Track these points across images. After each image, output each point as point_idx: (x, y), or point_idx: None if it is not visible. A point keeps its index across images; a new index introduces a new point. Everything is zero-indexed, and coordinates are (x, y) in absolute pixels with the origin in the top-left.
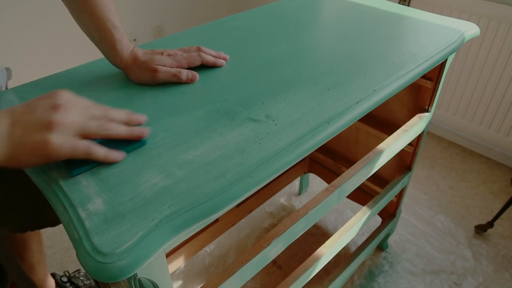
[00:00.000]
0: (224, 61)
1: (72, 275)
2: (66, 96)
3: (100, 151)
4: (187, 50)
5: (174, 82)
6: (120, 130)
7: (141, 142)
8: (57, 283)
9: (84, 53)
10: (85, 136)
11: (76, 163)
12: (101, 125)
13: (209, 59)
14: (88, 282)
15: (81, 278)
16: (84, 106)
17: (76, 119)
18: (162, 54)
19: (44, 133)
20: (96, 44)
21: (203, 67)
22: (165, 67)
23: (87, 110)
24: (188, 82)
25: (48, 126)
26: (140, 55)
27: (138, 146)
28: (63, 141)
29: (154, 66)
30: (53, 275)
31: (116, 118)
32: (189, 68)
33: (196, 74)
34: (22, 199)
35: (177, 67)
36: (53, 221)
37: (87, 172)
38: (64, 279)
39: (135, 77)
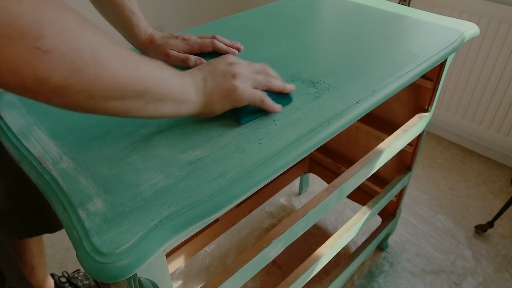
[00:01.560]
0: (236, 51)
1: (71, 275)
2: (234, 58)
3: (270, 101)
4: (203, 37)
5: (185, 67)
6: (278, 83)
7: (290, 99)
8: (56, 284)
9: None
10: (256, 87)
11: (245, 112)
12: (266, 78)
13: (221, 46)
14: (87, 282)
15: (80, 278)
16: (248, 63)
17: (249, 71)
18: (177, 38)
19: (232, 81)
20: (117, 29)
21: (215, 56)
22: (176, 52)
23: (252, 66)
24: None
25: (233, 75)
26: (156, 38)
27: (289, 101)
28: (246, 87)
29: (167, 51)
30: (52, 275)
31: (271, 73)
32: (201, 56)
33: (204, 61)
34: (18, 205)
35: (189, 51)
36: (51, 228)
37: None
38: (63, 279)
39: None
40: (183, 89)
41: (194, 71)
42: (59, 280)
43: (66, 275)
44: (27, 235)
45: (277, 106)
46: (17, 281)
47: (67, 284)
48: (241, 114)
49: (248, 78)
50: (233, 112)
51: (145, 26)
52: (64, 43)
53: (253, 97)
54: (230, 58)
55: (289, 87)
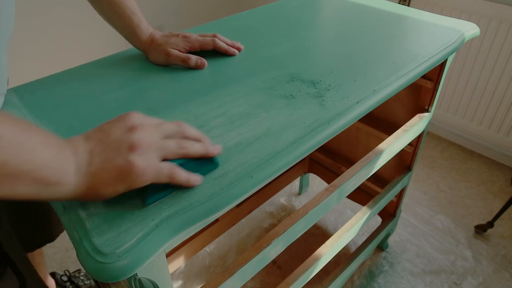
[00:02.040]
0: (236, 51)
1: (72, 274)
2: (139, 117)
3: (182, 174)
4: (204, 35)
5: (186, 67)
6: (197, 148)
7: (215, 164)
8: (57, 283)
9: (84, 53)
10: (164, 157)
11: (151, 189)
12: (180, 145)
13: (222, 45)
14: (89, 282)
15: (81, 277)
16: (157, 124)
17: (155, 137)
18: (177, 36)
19: (128, 156)
20: (118, 31)
21: (216, 57)
22: (177, 51)
23: (162, 128)
24: (197, 68)
25: (130, 148)
26: (157, 37)
27: (212, 168)
28: (148, 163)
29: (168, 50)
30: (53, 274)
31: (189, 135)
32: (202, 55)
33: (204, 61)
34: (20, 222)
35: (190, 48)
36: (51, 238)
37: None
38: (65, 278)
39: (151, 58)
40: (55, 168)
41: (79, 142)
42: (61, 279)
43: (67, 274)
44: (30, 249)
45: (194, 178)
46: (36, 285)
47: (68, 283)
48: (146, 193)
49: (152, 148)
50: (137, 190)
51: (146, 26)
52: None
53: (157, 175)
54: (132, 118)
55: (212, 149)
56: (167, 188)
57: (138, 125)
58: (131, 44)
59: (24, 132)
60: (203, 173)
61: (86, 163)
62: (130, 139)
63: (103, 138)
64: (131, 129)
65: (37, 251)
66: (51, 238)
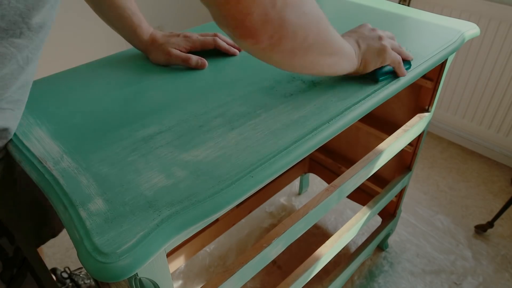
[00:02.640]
0: (237, 51)
1: (73, 272)
2: (370, 25)
3: (402, 64)
4: (204, 35)
5: (186, 67)
6: (405, 51)
7: (410, 65)
8: (57, 279)
9: (84, 53)
10: (392, 49)
11: (381, 72)
12: (399, 45)
13: (223, 44)
14: (89, 281)
15: (81, 276)
16: (382, 31)
17: (386, 36)
18: (178, 36)
19: (381, 42)
20: (118, 32)
21: (216, 57)
22: (177, 51)
23: (385, 33)
24: (198, 68)
25: (380, 38)
26: (158, 37)
27: (409, 67)
28: (390, 48)
29: (168, 50)
30: (54, 270)
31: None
32: (202, 55)
33: (205, 61)
34: (26, 215)
35: (191, 48)
36: (54, 232)
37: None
38: (65, 275)
39: (152, 58)
40: (352, 51)
41: (347, 38)
42: (61, 275)
43: (68, 271)
44: (35, 245)
45: (405, 71)
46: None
47: (68, 280)
48: (378, 73)
49: (389, 40)
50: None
51: (147, 26)
52: (312, 8)
53: (395, 58)
54: (369, 25)
55: (410, 55)
56: (391, 73)
57: (375, 28)
58: (132, 44)
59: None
60: (407, 69)
61: (357, 49)
62: (378, 33)
63: (360, 34)
64: (373, 30)
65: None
66: (54, 234)
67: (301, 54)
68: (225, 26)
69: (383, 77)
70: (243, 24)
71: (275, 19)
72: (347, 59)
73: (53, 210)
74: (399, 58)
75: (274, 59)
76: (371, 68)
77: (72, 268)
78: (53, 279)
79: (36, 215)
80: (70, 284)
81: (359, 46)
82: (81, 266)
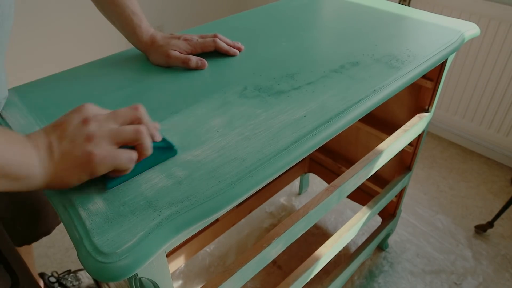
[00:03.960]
0: (237, 51)
1: (61, 276)
2: (92, 108)
3: (136, 158)
4: (204, 36)
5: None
6: (153, 131)
7: (174, 151)
8: (45, 284)
9: (84, 53)
10: (122, 144)
11: (109, 179)
12: (135, 128)
13: (223, 46)
14: (77, 283)
15: (69, 279)
16: (111, 112)
17: (109, 127)
18: (179, 38)
19: (85, 146)
20: (119, 30)
21: (216, 57)
22: (177, 53)
23: (116, 115)
24: (197, 68)
25: (86, 139)
26: (158, 39)
27: (171, 155)
28: (105, 152)
29: (168, 52)
30: (42, 275)
31: (145, 118)
32: (202, 55)
33: (205, 62)
34: (19, 212)
35: (191, 51)
36: (47, 230)
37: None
38: (52, 279)
39: (152, 59)
40: (21, 163)
41: (39, 137)
42: (48, 280)
43: (55, 275)
44: (28, 241)
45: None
46: (29, 283)
47: (56, 284)
48: (105, 176)
49: (108, 136)
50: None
51: (147, 26)
52: None
53: (116, 161)
54: (85, 110)
55: (149, 146)
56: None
57: (92, 116)
58: (132, 44)
59: None
60: (163, 159)
61: (48, 156)
62: (85, 131)
63: (60, 132)
64: (85, 121)
65: (25, 251)
66: (48, 231)
67: None
68: None
69: (114, 183)
70: None
71: None
72: (4, 179)
73: (46, 209)
74: (127, 157)
75: None
76: (73, 182)
77: (73, 269)
78: (29, 272)
79: (29, 213)
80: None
81: (51, 153)
82: (69, 269)
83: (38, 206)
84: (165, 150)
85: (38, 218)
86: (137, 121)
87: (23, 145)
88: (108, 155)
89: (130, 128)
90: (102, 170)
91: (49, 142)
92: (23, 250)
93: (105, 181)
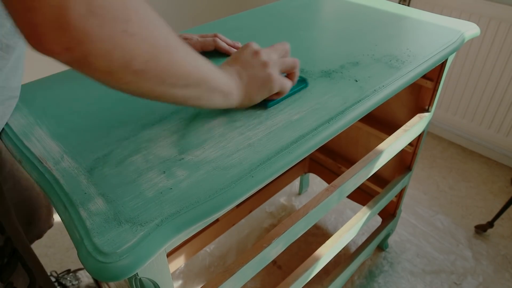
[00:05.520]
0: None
1: (60, 275)
2: (256, 45)
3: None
4: (204, 36)
5: None
6: (297, 71)
7: (306, 83)
8: None
9: None
10: (284, 70)
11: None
12: (294, 62)
13: (223, 45)
14: (76, 282)
15: (69, 279)
16: (271, 47)
17: (275, 56)
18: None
19: (265, 70)
20: None
21: (216, 57)
22: None
23: (275, 49)
24: None
25: (263, 65)
26: None
27: (305, 86)
28: (277, 75)
29: None
30: None
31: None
32: (202, 55)
33: None
34: (17, 213)
35: None
36: (40, 233)
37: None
38: (52, 279)
39: None
40: (228, 83)
41: (226, 68)
42: None
43: (55, 274)
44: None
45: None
46: (45, 282)
47: (56, 284)
48: (267, 102)
49: (277, 64)
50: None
51: None
52: (145, 29)
53: (284, 85)
54: (253, 46)
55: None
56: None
57: (260, 50)
58: None
59: (209, 63)
60: (299, 90)
61: (238, 80)
62: (261, 59)
63: (242, 62)
64: (256, 53)
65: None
66: (40, 234)
67: (127, 78)
68: (20, 32)
69: (273, 103)
70: (29, 24)
71: (73, 26)
72: (219, 94)
73: (38, 212)
74: (289, 84)
75: (97, 78)
76: (258, 99)
77: (73, 269)
78: (44, 270)
79: (23, 215)
80: (58, 287)
81: (240, 77)
82: (68, 268)
83: (30, 210)
84: (300, 82)
85: (31, 222)
86: (287, 54)
87: (224, 72)
88: (280, 77)
89: (291, 59)
90: (275, 89)
91: (237, 70)
92: None
93: (265, 104)
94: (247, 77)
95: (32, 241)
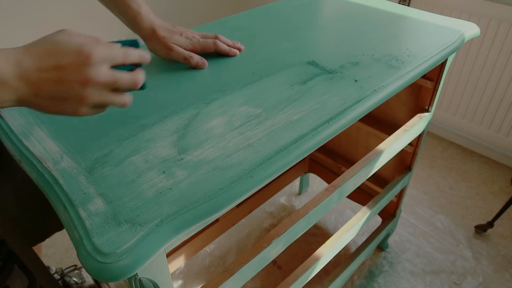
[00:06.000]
0: (237, 52)
1: (65, 271)
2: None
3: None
4: (205, 36)
5: (185, 66)
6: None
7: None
8: None
9: None
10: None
11: None
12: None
13: (223, 47)
14: (80, 281)
15: (73, 277)
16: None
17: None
18: (181, 35)
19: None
20: (118, 17)
21: (216, 56)
22: (180, 48)
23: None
24: (197, 67)
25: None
26: (159, 29)
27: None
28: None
29: (170, 45)
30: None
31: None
32: (202, 54)
33: (205, 62)
34: (29, 209)
35: (192, 50)
36: (60, 225)
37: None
38: (57, 276)
39: (151, 48)
40: None
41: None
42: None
43: (60, 271)
44: (41, 238)
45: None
46: (46, 281)
47: (60, 281)
48: None
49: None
50: None
51: (147, 13)
52: None
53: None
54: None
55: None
56: None
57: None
58: (132, 30)
59: None
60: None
61: (16, 69)
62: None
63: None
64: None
65: (35, 250)
66: (59, 226)
67: None
68: None
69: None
70: None
71: None
72: None
73: None
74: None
75: None
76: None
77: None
78: (46, 269)
79: (37, 209)
80: (62, 284)
81: (20, 66)
82: (74, 264)
83: (46, 201)
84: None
85: (47, 213)
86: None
87: None
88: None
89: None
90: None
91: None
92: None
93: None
94: (33, 64)
95: (51, 234)
